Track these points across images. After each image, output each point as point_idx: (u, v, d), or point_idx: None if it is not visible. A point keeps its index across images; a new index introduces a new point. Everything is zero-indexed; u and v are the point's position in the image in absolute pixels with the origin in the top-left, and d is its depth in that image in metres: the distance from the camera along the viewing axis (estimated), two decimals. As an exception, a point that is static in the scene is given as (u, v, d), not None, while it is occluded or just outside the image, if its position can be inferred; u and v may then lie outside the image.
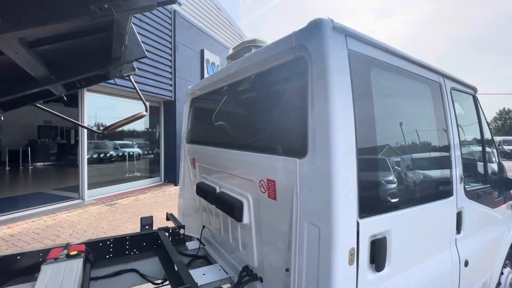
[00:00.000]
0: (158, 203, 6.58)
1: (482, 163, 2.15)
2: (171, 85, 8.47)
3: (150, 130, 8.99)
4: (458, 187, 1.74)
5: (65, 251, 1.73)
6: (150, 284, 2.19)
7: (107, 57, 1.99)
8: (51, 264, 1.61)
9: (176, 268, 1.87)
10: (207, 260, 2.48)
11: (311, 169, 1.14)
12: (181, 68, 8.79)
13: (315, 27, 1.14)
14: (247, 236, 1.72)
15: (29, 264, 1.79)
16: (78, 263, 1.67)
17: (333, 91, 1.08)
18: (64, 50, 1.71)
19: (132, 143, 8.42)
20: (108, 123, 7.50)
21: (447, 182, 1.66)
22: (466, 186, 1.86)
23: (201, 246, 2.52)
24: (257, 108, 1.59)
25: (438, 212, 1.58)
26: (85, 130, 6.61)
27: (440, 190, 1.61)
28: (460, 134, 1.82)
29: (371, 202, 1.19)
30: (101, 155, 7.47)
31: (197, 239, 2.69)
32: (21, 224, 4.87)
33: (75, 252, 1.74)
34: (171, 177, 8.81)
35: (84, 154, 6.54)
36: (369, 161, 1.21)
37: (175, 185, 8.64)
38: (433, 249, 1.54)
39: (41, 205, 5.76)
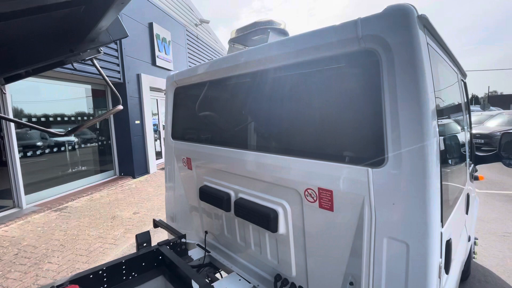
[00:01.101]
0: (119, 201, 5.87)
1: (469, 144, 2.37)
2: (117, 65, 7.30)
3: (94, 116, 7.75)
4: (467, 171, 1.87)
5: (55, 301, 1.32)
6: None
7: (77, 38, 1.47)
8: (43, 325, 1.21)
9: (197, 290, 1.64)
10: (213, 267, 2.28)
11: (393, 181, 1.01)
12: (128, 44, 7.59)
13: (399, 16, 0.96)
14: (283, 246, 1.57)
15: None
16: (81, 314, 1.30)
17: (425, 93, 0.94)
18: (19, 29, 1.17)
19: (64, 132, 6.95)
20: (36, 111, 6.16)
21: (466, 167, 1.75)
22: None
23: (207, 253, 2.29)
24: (301, 106, 1.36)
25: (463, 198, 1.67)
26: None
27: (465, 177, 1.69)
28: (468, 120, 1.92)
29: (446, 207, 1.15)
30: (35, 150, 6.01)
31: (198, 245, 2.44)
32: None
33: (71, 301, 1.35)
34: (128, 169, 7.92)
35: (15, 150, 5.30)
36: (445, 163, 1.14)
37: (133, 177, 7.83)
38: (459, 236, 1.64)
39: (-38, 221, 4.57)
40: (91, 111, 7.48)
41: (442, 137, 1.14)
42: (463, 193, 1.63)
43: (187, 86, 2.28)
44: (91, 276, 1.69)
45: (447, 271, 1.17)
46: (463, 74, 2.23)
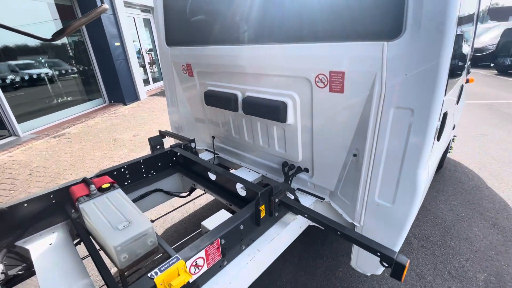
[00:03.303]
0: (115, 126, 5.92)
1: (473, 40, 2.37)
2: (80, -30, 6.14)
3: (65, 42, 6.97)
4: (467, 64, 1.93)
5: (93, 186, 1.49)
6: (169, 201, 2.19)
7: None
8: (90, 201, 1.39)
9: (214, 178, 1.85)
10: (222, 166, 2.52)
11: (408, 51, 1.05)
12: None
13: None
14: (290, 136, 1.71)
15: (42, 208, 1.53)
16: (119, 192, 1.49)
17: None
18: None
19: (36, 63, 6.30)
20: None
21: (467, 59, 1.80)
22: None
23: (216, 155, 2.49)
24: None
25: (459, 87, 1.78)
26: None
27: (465, 66, 1.76)
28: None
29: (450, 77, 1.22)
30: (13, 85, 5.60)
31: (206, 149, 2.63)
32: (-50, 175, 3.93)
33: (107, 185, 1.51)
34: (117, 97, 7.68)
35: None
36: (457, 41, 1.16)
37: (124, 104, 7.67)
38: (450, 115, 1.79)
39: (-38, 150, 4.61)
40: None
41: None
42: (460, 81, 1.73)
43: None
44: (115, 172, 1.85)
45: (438, 139, 1.34)
46: None
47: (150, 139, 2.11)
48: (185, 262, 1.01)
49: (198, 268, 1.09)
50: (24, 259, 1.46)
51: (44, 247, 1.38)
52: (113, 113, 6.93)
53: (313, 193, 1.77)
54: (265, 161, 2.07)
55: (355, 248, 1.56)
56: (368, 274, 1.59)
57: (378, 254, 1.07)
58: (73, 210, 1.52)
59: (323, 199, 1.71)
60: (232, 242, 1.23)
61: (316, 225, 1.83)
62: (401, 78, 1.10)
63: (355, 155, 1.41)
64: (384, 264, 1.07)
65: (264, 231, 1.44)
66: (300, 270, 2.08)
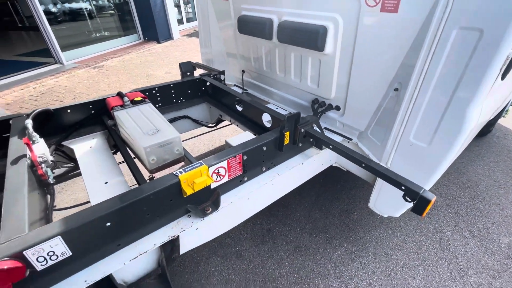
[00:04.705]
0: (149, 63, 5.99)
1: None
2: None
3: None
4: None
5: (126, 98, 1.55)
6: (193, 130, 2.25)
7: None
8: (123, 110, 1.47)
9: (241, 109, 1.84)
10: None
11: None
12: None
13: None
14: (326, 67, 1.59)
15: (83, 116, 1.66)
16: (150, 106, 1.55)
17: None
18: None
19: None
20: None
21: None
22: None
23: (244, 91, 2.45)
24: None
25: None
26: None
27: None
28: None
29: None
30: (57, 19, 5.90)
31: (235, 85, 2.58)
32: (9, 93, 4.38)
33: (139, 98, 1.57)
34: (152, 34, 7.62)
35: (40, 12, 5.19)
36: None
37: (158, 42, 7.63)
38: None
39: (19, 72, 5.04)
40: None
41: None
42: None
43: None
44: (146, 93, 1.90)
45: (503, 77, 1.15)
46: None
47: (180, 64, 2.10)
48: (208, 167, 1.06)
49: (220, 177, 1.14)
50: (70, 159, 1.64)
51: (86, 148, 1.53)
52: (147, 50, 6.97)
53: (341, 133, 1.70)
54: (294, 98, 1.99)
55: (377, 188, 1.53)
56: (385, 216, 1.59)
57: (403, 188, 1.03)
58: (109, 120, 1.62)
59: (351, 139, 1.64)
60: (254, 161, 1.25)
61: (338, 166, 1.81)
62: None
63: (396, 89, 1.28)
64: (407, 198, 1.04)
65: (286, 159, 1.45)
66: (316, 208, 2.14)
